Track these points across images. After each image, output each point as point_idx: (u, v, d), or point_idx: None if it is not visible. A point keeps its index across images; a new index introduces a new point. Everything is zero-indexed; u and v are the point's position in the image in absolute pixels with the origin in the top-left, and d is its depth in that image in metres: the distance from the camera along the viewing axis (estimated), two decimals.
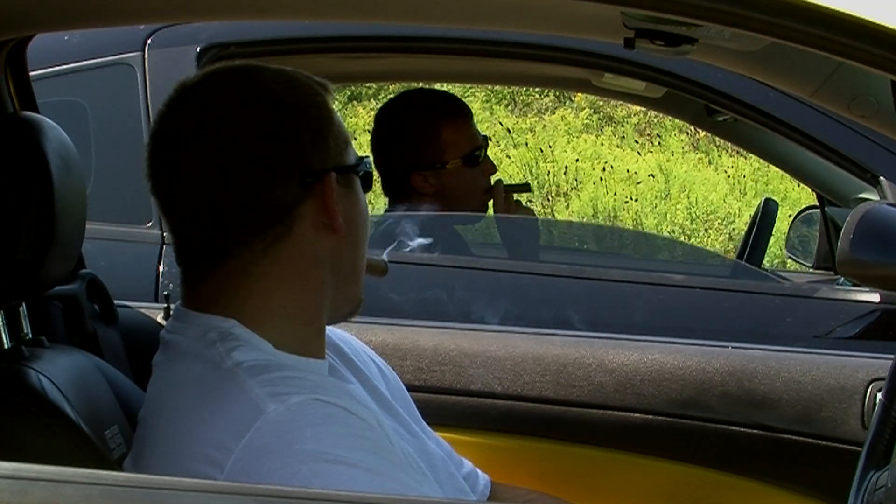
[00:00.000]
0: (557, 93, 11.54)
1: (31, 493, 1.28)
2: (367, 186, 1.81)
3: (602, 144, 11.03)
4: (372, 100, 11.18)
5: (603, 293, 3.11)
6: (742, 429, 2.51)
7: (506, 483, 2.20)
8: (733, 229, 9.31)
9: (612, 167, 10.26)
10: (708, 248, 9.23)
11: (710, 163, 10.78)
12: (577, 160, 10.38)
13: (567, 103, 11.70)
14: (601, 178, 10.02)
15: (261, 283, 1.71)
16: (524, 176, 9.98)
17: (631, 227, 9.47)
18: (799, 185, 8.61)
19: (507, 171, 9.78)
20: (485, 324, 2.73)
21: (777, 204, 3.98)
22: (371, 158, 2.55)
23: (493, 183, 3.34)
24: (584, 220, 9.59)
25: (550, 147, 10.57)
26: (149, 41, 3.16)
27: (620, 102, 9.96)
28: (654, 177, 10.07)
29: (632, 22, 1.67)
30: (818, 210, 3.81)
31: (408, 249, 2.78)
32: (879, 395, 1.98)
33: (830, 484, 2.38)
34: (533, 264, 3.27)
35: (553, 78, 3.94)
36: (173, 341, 1.74)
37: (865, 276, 2.76)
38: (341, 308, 1.80)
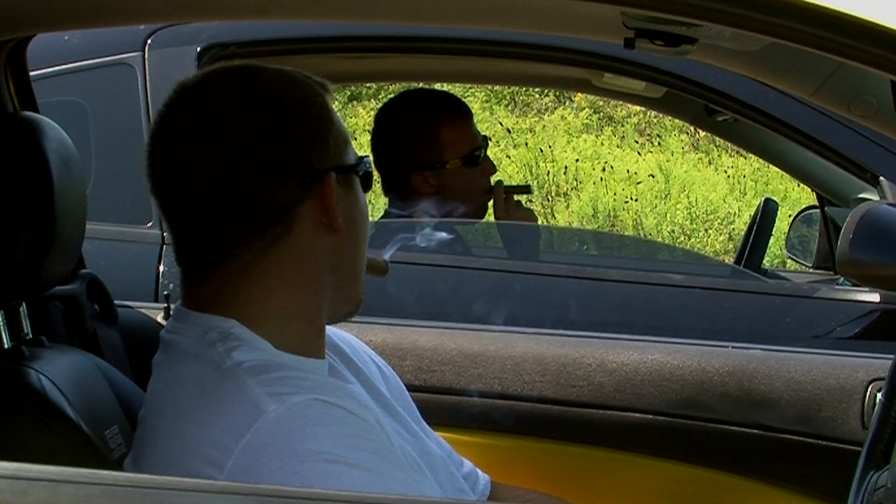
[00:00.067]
0: (557, 93, 11.54)
1: (31, 493, 1.28)
2: (367, 186, 1.81)
3: (602, 144, 11.03)
4: (372, 100, 11.18)
5: (602, 293, 3.11)
6: (742, 429, 2.51)
7: (506, 483, 2.19)
8: (733, 229, 9.31)
9: (612, 167, 10.26)
10: (708, 248, 9.24)
11: (710, 163, 10.78)
12: (577, 160, 10.38)
13: (567, 103, 11.70)
14: (601, 178, 10.02)
15: (261, 283, 1.71)
16: (524, 176, 9.98)
17: (630, 228, 9.47)
18: (799, 185, 8.62)
19: (507, 171, 9.79)
20: (485, 324, 2.73)
21: (777, 204, 3.98)
22: (371, 158, 2.55)
23: (493, 183, 3.34)
24: (584, 220, 9.60)
25: (550, 147, 10.57)
26: (149, 41, 3.16)
27: (620, 102, 9.96)
28: (654, 177, 10.07)
29: (632, 22, 1.67)
30: (818, 210, 3.81)
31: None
32: (879, 395, 1.98)
33: (830, 484, 2.38)
34: (533, 264, 3.28)
35: (553, 78, 3.94)
36: (173, 341, 1.74)
37: (865, 276, 2.76)
38: (341, 308, 1.80)
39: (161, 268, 2.97)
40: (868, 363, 2.51)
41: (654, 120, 11.29)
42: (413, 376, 2.51)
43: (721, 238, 9.34)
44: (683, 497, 2.52)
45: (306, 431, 1.59)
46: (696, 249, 9.19)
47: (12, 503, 1.27)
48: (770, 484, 2.52)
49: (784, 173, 5.60)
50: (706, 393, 2.51)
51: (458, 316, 2.82)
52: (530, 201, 8.69)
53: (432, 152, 3.25)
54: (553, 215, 9.73)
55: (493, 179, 3.36)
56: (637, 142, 11.07)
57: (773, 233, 3.94)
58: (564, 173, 10.19)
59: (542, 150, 10.40)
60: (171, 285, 2.85)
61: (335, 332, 1.91)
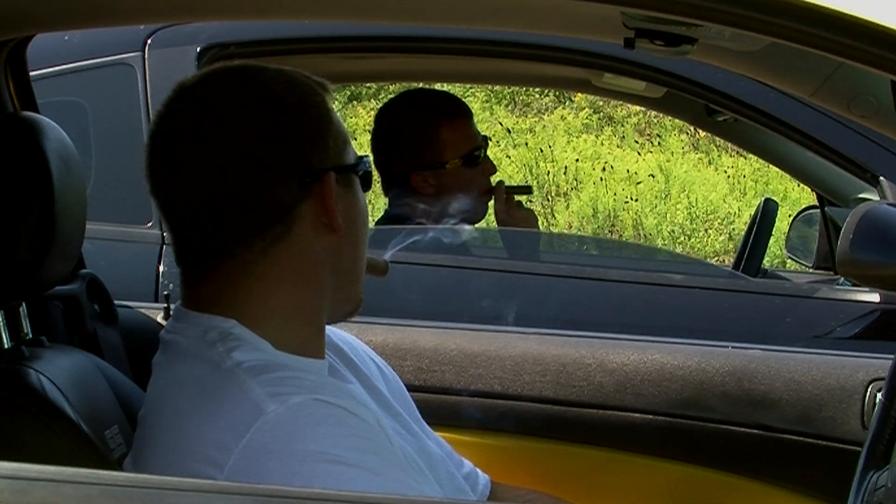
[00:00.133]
0: (557, 93, 11.54)
1: (31, 493, 1.28)
2: (367, 186, 1.81)
3: (602, 144, 11.03)
4: (372, 100, 11.18)
5: (602, 293, 3.11)
6: (742, 429, 2.51)
7: (506, 483, 2.19)
8: (733, 229, 9.31)
9: (612, 167, 10.26)
10: (708, 248, 9.24)
11: (710, 163, 10.78)
12: (577, 160, 10.38)
13: (567, 103, 11.70)
14: (601, 178, 10.02)
15: (260, 283, 1.71)
16: (524, 176, 9.98)
17: (630, 228, 9.47)
18: (799, 185, 8.61)
19: (507, 171, 9.78)
20: (486, 324, 2.73)
21: (777, 204, 3.98)
22: (370, 158, 2.55)
23: (494, 184, 3.34)
24: (584, 220, 9.60)
25: (550, 147, 10.57)
26: (149, 41, 3.16)
27: (620, 102, 9.96)
28: (654, 177, 10.07)
29: (632, 22, 1.67)
30: (818, 210, 3.81)
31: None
32: (879, 395, 1.98)
33: (830, 484, 2.38)
34: (533, 264, 3.28)
35: (553, 78, 3.94)
36: (173, 341, 1.74)
37: (865, 276, 2.76)
38: (341, 308, 1.80)
39: (161, 268, 2.97)
40: (868, 363, 2.51)
41: (654, 120, 11.29)
42: (413, 376, 2.51)
43: (721, 238, 9.34)
44: (683, 497, 2.52)
45: (306, 432, 1.59)
46: (695, 249, 9.20)
47: (12, 503, 1.27)
48: (770, 484, 2.52)
49: (784, 173, 5.60)
50: (706, 393, 2.52)
51: (458, 316, 2.82)
52: (530, 201, 8.69)
53: (432, 152, 3.25)
54: (553, 215, 9.73)
55: (494, 180, 3.36)
56: (637, 142, 11.07)
57: (773, 233, 3.93)
58: (564, 173, 10.19)
59: (542, 150, 10.40)
60: (171, 285, 2.85)
61: (335, 332, 1.91)
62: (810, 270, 4.08)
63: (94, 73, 3.18)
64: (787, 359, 2.54)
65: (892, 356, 2.00)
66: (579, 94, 10.73)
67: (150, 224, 3.02)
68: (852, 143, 3.16)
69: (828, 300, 3.09)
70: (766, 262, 3.94)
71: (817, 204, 3.84)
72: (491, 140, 4.20)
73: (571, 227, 9.59)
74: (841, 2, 1.36)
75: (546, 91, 11.51)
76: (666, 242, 9.30)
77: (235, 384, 1.63)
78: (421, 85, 5.11)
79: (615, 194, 9.78)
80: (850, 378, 2.49)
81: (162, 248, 2.99)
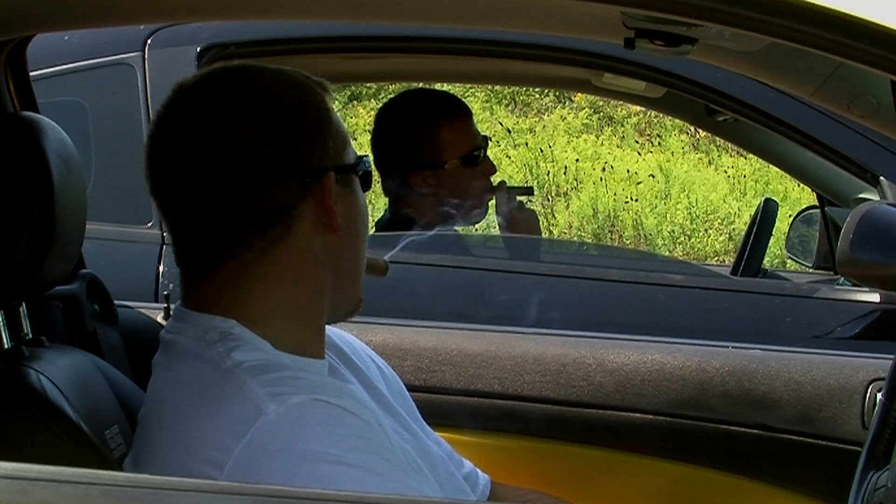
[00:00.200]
0: (557, 93, 11.54)
1: (31, 493, 1.28)
2: (367, 186, 1.81)
3: (602, 144, 11.04)
4: (372, 100, 11.18)
5: (602, 293, 3.11)
6: (742, 429, 2.51)
7: (506, 483, 2.19)
8: (733, 229, 9.32)
9: (612, 167, 10.26)
10: (708, 248, 9.24)
11: (710, 163, 10.79)
12: (577, 160, 10.39)
13: (567, 103, 11.70)
14: (601, 178, 10.03)
15: (260, 283, 1.71)
16: (524, 176, 9.98)
17: (630, 228, 9.48)
18: (799, 185, 8.62)
19: (507, 171, 9.79)
20: (486, 324, 2.73)
21: (777, 204, 3.98)
22: (370, 158, 2.55)
23: (496, 184, 3.34)
24: (584, 220, 9.60)
25: (550, 147, 10.57)
26: (149, 41, 3.16)
27: (620, 102, 9.96)
28: (654, 177, 10.07)
29: (632, 22, 1.67)
30: (818, 210, 3.81)
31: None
32: (879, 395, 1.98)
33: (830, 484, 2.38)
34: (533, 264, 3.28)
35: (553, 78, 3.94)
36: (173, 341, 1.74)
37: (865, 276, 2.76)
38: (341, 308, 1.80)
39: (161, 268, 2.97)
40: (868, 363, 2.51)
41: (654, 120, 11.30)
42: (413, 376, 2.51)
43: (721, 238, 9.34)
44: (683, 497, 2.52)
45: (306, 432, 1.59)
46: (696, 249, 9.20)
47: (12, 503, 1.27)
48: (770, 484, 2.52)
49: (784, 173, 5.60)
50: (706, 393, 2.51)
51: (458, 316, 2.82)
52: (531, 201, 8.69)
53: (431, 152, 3.25)
54: (553, 215, 9.73)
55: (494, 180, 3.36)
56: (637, 142, 11.07)
57: (773, 233, 3.93)
58: (564, 173, 10.20)
59: (542, 150, 10.40)
60: (171, 285, 2.85)
61: (335, 332, 1.91)
62: (810, 270, 4.08)
63: (94, 73, 3.18)
64: (788, 359, 2.54)
65: (892, 356, 2.00)
66: (579, 94, 10.73)
67: (150, 224, 3.02)
68: (852, 143, 3.16)
69: (828, 300, 3.09)
70: (766, 262, 3.93)
71: (817, 204, 3.84)
72: (491, 140, 4.20)
73: (571, 227, 9.59)
74: (841, 2, 1.36)
75: (546, 91, 11.52)
76: (666, 242, 9.30)
77: (235, 384, 1.63)
78: (421, 85, 5.11)
79: (615, 194, 9.78)
80: (850, 378, 2.49)
81: (162, 248, 2.99)
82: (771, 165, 6.34)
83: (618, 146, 11.08)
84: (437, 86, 5.68)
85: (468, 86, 10.38)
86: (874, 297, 3.04)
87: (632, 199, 9.69)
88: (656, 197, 9.88)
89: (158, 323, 2.32)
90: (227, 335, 1.69)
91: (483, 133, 3.41)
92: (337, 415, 1.61)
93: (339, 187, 1.73)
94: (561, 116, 11.52)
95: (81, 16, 2.08)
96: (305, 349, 1.73)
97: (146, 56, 3.15)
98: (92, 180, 3.01)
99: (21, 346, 1.84)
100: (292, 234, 1.71)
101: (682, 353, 2.55)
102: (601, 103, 11.39)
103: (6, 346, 1.85)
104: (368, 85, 10.82)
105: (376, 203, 5.98)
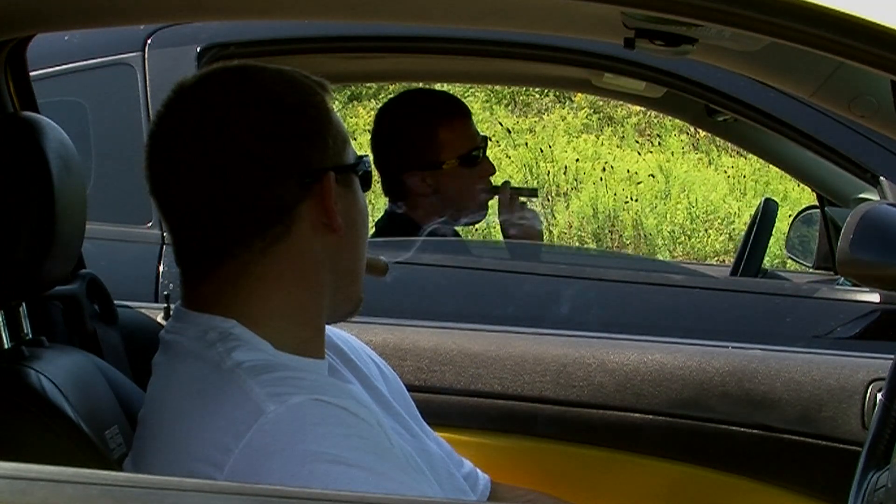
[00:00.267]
0: (557, 93, 11.54)
1: (31, 493, 1.28)
2: (367, 186, 1.81)
3: (602, 144, 11.04)
4: (372, 100, 11.18)
5: (602, 293, 3.11)
6: (742, 429, 2.51)
7: (506, 483, 2.19)
8: (733, 229, 9.32)
9: (612, 167, 10.26)
10: (708, 248, 9.24)
11: (710, 163, 10.79)
12: (577, 160, 10.39)
13: (567, 103, 11.70)
14: (601, 178, 10.03)
15: (260, 283, 1.71)
16: (524, 176, 9.98)
17: (630, 228, 9.48)
18: (799, 185, 8.61)
19: (507, 171, 9.79)
20: (486, 324, 2.73)
21: (777, 204, 3.98)
22: (370, 158, 2.55)
23: (499, 184, 3.34)
24: (584, 220, 9.60)
25: (550, 147, 10.57)
26: (149, 41, 3.16)
27: (620, 102, 9.96)
28: (654, 177, 10.07)
29: (632, 22, 1.67)
30: (818, 210, 3.81)
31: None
32: (879, 395, 1.98)
33: (830, 484, 2.38)
34: (534, 264, 3.28)
35: (553, 78, 3.94)
36: (173, 341, 1.74)
37: (865, 276, 2.76)
38: (341, 308, 1.80)
39: (161, 268, 2.97)
40: (868, 363, 2.51)
41: (654, 120, 11.30)
42: (413, 376, 2.51)
43: (721, 238, 9.34)
44: (683, 497, 2.52)
45: (306, 432, 1.59)
46: (696, 249, 9.20)
47: (12, 503, 1.27)
48: (770, 484, 2.52)
49: (784, 173, 5.60)
50: (706, 393, 2.51)
51: (457, 316, 2.82)
52: (531, 201, 8.68)
53: (430, 152, 3.25)
54: (553, 215, 9.73)
55: (494, 180, 3.36)
56: (637, 142, 11.07)
57: (773, 233, 3.93)
58: (564, 173, 10.20)
59: (542, 150, 10.41)
60: (171, 285, 2.85)
61: (335, 332, 1.91)
62: (810, 270, 4.08)
63: (94, 73, 3.18)
64: (788, 359, 2.54)
65: (892, 356, 2.00)
66: (579, 94, 10.73)
67: (150, 224, 3.02)
68: (852, 143, 3.16)
69: (828, 300, 3.09)
70: (766, 262, 3.93)
71: (817, 204, 3.84)
72: (491, 140, 4.20)
73: (571, 227, 9.59)
74: (841, 2, 1.36)
75: (546, 91, 11.52)
76: (666, 242, 9.30)
77: (235, 384, 1.63)
78: (421, 85, 5.11)
79: (615, 194, 9.79)
80: (850, 378, 2.49)
81: (162, 248, 2.99)
82: (771, 165, 6.34)
83: (618, 146, 11.08)
84: (437, 86, 5.68)
85: (468, 86, 10.38)
86: (874, 297, 3.04)
87: (632, 199, 9.69)
88: (656, 197, 9.88)
89: (158, 323, 2.32)
90: (227, 335, 1.69)
91: (483, 133, 3.41)
92: (337, 415, 1.61)
93: (339, 187, 1.73)
94: (561, 116, 11.52)
95: (81, 16, 2.08)
96: (305, 349, 1.73)
97: (146, 56, 3.15)
98: (92, 180, 3.01)
99: (21, 346, 1.84)
100: (292, 234, 1.71)
101: (683, 354, 2.55)
102: (601, 103, 11.39)
103: (6, 346, 1.85)
104: (368, 85, 10.82)
105: (376, 203, 5.98)
